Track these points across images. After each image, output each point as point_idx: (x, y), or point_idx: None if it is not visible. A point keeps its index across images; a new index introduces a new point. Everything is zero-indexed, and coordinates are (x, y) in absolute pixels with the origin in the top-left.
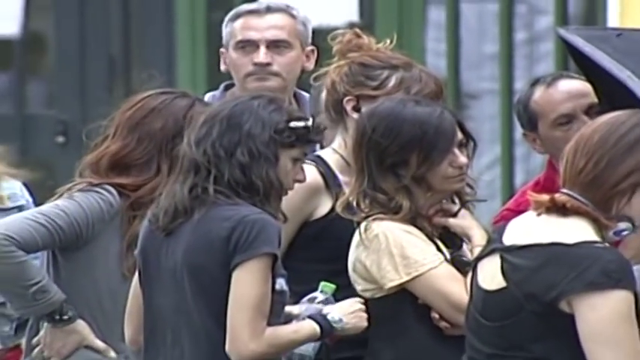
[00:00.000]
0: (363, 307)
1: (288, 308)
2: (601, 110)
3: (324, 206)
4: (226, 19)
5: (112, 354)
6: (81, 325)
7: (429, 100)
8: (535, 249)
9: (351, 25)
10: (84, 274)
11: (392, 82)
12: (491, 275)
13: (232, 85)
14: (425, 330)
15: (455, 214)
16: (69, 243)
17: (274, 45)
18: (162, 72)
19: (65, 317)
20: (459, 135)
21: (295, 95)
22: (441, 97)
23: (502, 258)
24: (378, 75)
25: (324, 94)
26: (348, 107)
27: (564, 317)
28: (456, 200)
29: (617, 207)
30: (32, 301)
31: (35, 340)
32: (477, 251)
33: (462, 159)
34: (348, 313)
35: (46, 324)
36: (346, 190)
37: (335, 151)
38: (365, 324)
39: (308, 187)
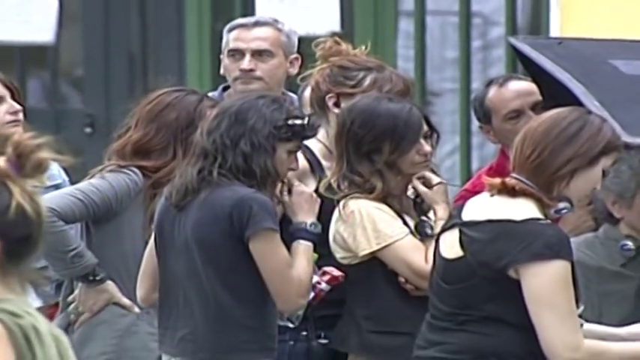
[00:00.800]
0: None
1: None
2: (545, 107)
3: (309, 187)
4: (224, 30)
5: (136, 309)
6: (110, 285)
7: (400, 98)
8: (489, 224)
9: (333, 34)
10: (113, 243)
11: (367, 81)
12: (451, 246)
13: (230, 87)
14: (393, 291)
15: (431, 187)
16: (101, 215)
17: (258, 54)
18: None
19: (97, 278)
20: (425, 127)
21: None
22: (408, 94)
23: (461, 231)
24: (355, 76)
25: (307, 92)
26: (330, 103)
27: (512, 282)
28: (435, 176)
29: (557, 189)
30: (70, 264)
31: (70, 297)
32: (438, 224)
33: (427, 148)
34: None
35: (80, 284)
36: (328, 173)
37: (319, 141)
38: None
39: (298, 171)
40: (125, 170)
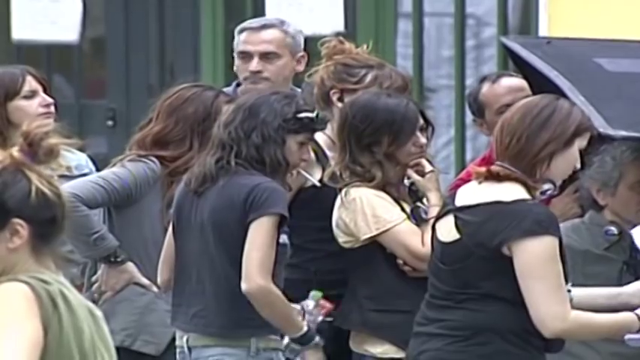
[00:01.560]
0: None
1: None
2: None
3: (315, 175)
4: (235, 31)
5: (155, 289)
6: (131, 266)
7: (399, 93)
8: (480, 207)
9: (337, 34)
10: (133, 227)
11: (368, 78)
12: (447, 231)
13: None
14: (392, 273)
15: (424, 175)
16: (121, 201)
17: (265, 56)
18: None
19: (118, 259)
20: (421, 121)
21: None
22: (407, 90)
23: (455, 216)
24: (358, 73)
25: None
26: (334, 98)
27: (506, 259)
28: (429, 164)
29: (540, 172)
30: (93, 246)
31: (94, 278)
32: (432, 210)
33: (423, 140)
34: None
35: (102, 265)
36: (333, 163)
37: (324, 133)
38: None
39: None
40: (144, 159)
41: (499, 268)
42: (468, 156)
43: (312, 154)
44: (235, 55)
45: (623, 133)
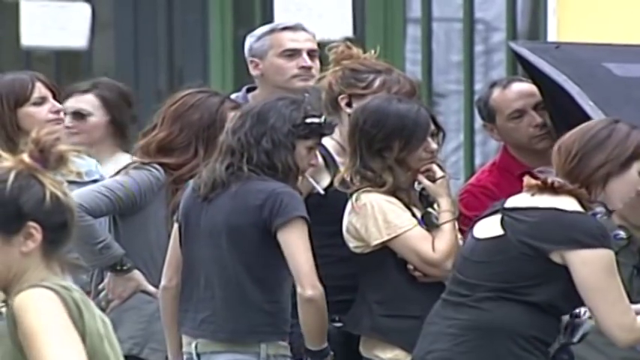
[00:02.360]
0: None
1: None
2: (544, 107)
3: (324, 181)
4: (257, 34)
5: None
6: (137, 274)
7: (407, 98)
8: (535, 210)
9: (346, 40)
10: (138, 234)
11: (376, 83)
12: (487, 228)
13: (254, 88)
14: (402, 278)
15: (435, 180)
16: (126, 209)
17: (310, 53)
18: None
19: (125, 268)
20: (432, 126)
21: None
22: (415, 95)
23: (503, 215)
24: (366, 78)
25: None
26: (342, 103)
27: (550, 264)
28: (439, 170)
29: (595, 194)
30: (99, 255)
31: (101, 286)
32: (443, 215)
33: (434, 145)
34: None
35: (109, 273)
36: (341, 168)
37: (332, 138)
38: None
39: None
40: (148, 167)
41: (538, 270)
42: (477, 161)
43: (321, 160)
44: (272, 55)
45: None
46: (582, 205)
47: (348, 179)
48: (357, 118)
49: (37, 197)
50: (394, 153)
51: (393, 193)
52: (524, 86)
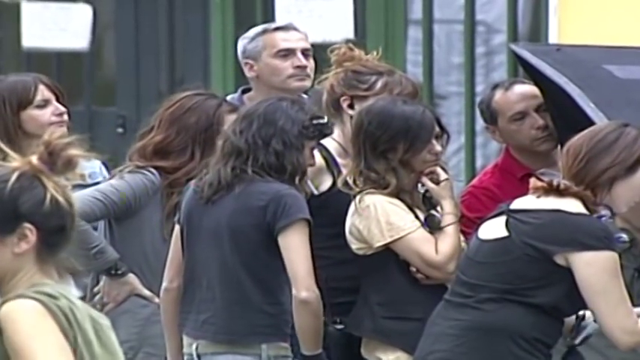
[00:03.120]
0: None
1: None
2: (546, 109)
3: (326, 183)
4: (249, 35)
5: (157, 300)
6: (132, 277)
7: (414, 100)
8: (540, 212)
9: (348, 41)
10: (133, 238)
11: (378, 85)
12: (492, 230)
13: (249, 90)
14: (405, 280)
15: (438, 183)
16: (121, 213)
17: (304, 52)
18: (199, 77)
19: (119, 272)
20: (437, 129)
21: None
22: (417, 97)
23: (508, 216)
24: (368, 79)
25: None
26: (344, 105)
27: (554, 266)
28: (443, 172)
29: (600, 197)
30: (93, 260)
31: (96, 289)
32: (446, 218)
33: (438, 147)
34: None
35: (104, 277)
36: (344, 170)
37: (334, 140)
38: None
39: (314, 168)
40: (142, 171)
41: (542, 271)
42: (479, 163)
43: (323, 161)
44: (266, 56)
45: None
46: (587, 208)
47: (352, 181)
48: (361, 119)
49: (37, 199)
50: (398, 155)
51: (397, 194)
52: (526, 88)
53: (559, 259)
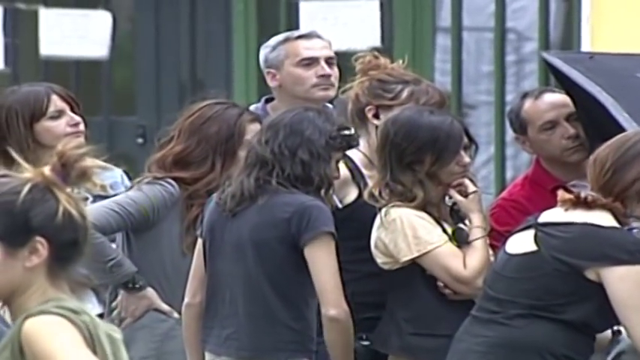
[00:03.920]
0: None
1: None
2: (577, 118)
3: (351, 195)
4: (271, 44)
5: (176, 315)
6: (150, 292)
7: (441, 110)
8: (570, 225)
9: (373, 49)
10: (152, 251)
11: (404, 94)
12: (520, 244)
13: (272, 99)
14: (432, 295)
15: (466, 195)
16: (138, 225)
17: (328, 61)
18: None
19: (137, 286)
20: (465, 139)
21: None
22: (444, 106)
23: (537, 230)
24: (393, 88)
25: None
26: (369, 115)
27: (585, 281)
28: (472, 184)
29: (630, 209)
30: (110, 273)
31: (114, 304)
32: (474, 232)
33: (467, 159)
34: None
35: (121, 291)
36: (370, 182)
37: (359, 151)
38: None
39: (339, 180)
40: (161, 182)
41: (572, 287)
42: (509, 175)
43: (348, 173)
44: (288, 65)
45: None
46: (618, 220)
47: (377, 193)
48: (387, 130)
49: (49, 212)
50: (425, 167)
51: (424, 207)
52: (556, 97)
53: (590, 274)
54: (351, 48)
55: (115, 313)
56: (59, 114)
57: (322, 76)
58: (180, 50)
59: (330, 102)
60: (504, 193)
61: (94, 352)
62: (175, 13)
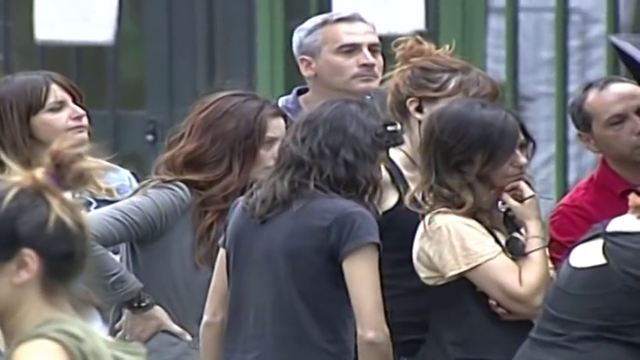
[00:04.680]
0: None
1: None
2: None
3: (390, 199)
4: (307, 27)
5: (188, 337)
6: (158, 311)
7: (494, 103)
8: None
9: (418, 33)
10: (160, 264)
11: (452, 84)
12: (587, 256)
13: (305, 90)
14: (483, 314)
15: (522, 201)
16: (144, 235)
17: (372, 48)
18: (243, 77)
19: (143, 304)
20: (521, 137)
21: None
22: (497, 98)
23: (606, 240)
24: (439, 78)
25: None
26: (411, 108)
27: None
28: (529, 188)
29: None
30: (112, 290)
31: (117, 325)
32: (532, 242)
33: (523, 159)
34: None
35: (126, 311)
36: (411, 185)
37: (400, 149)
38: None
39: None
40: (169, 186)
41: None
42: (571, 177)
43: (387, 175)
44: (327, 52)
45: None
46: None
47: (420, 198)
48: (432, 126)
49: (38, 221)
50: (476, 168)
51: (474, 215)
52: (624, 87)
53: None
54: (391, 32)
55: (119, 335)
56: (60, 106)
57: (364, 65)
58: (195, 35)
59: (367, 93)
60: (566, 199)
61: None
62: None
